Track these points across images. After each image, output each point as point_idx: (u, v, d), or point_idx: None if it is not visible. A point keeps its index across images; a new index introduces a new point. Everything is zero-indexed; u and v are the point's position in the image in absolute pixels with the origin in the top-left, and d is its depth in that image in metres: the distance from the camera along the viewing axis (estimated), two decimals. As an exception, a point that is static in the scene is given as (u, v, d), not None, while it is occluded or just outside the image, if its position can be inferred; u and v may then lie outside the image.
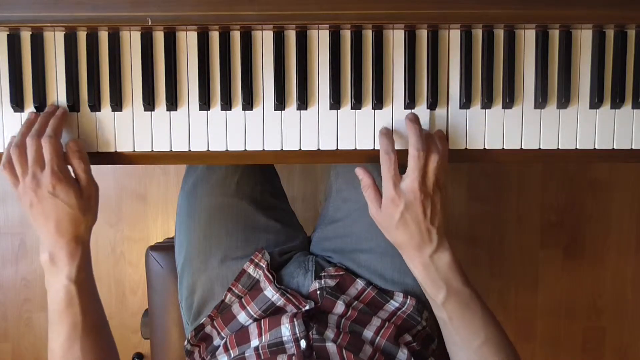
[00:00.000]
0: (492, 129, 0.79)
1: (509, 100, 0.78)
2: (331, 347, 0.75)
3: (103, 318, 0.81)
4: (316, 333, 0.77)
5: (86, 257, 0.76)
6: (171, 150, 0.78)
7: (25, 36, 0.76)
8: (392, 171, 0.73)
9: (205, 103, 0.77)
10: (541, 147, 0.79)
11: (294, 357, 0.73)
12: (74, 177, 0.75)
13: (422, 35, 0.77)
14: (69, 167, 0.75)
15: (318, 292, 0.85)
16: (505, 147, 0.79)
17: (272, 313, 0.84)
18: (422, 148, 0.72)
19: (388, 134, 0.76)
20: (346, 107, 0.78)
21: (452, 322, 0.74)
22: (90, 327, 0.76)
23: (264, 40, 0.77)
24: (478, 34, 0.78)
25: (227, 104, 0.77)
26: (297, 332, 0.77)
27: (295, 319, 0.78)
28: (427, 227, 0.73)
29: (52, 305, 0.75)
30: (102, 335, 0.79)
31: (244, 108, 0.78)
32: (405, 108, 0.78)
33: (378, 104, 0.78)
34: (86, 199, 0.74)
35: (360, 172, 0.77)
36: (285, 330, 0.78)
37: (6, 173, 0.73)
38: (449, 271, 0.74)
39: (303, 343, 0.75)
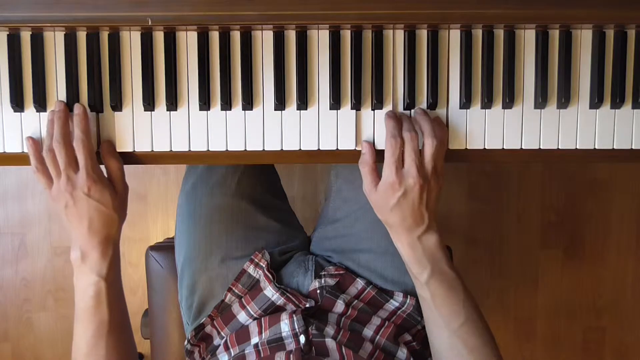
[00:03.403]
0: (492, 129, 0.79)
1: (509, 100, 0.78)
2: (330, 343, 0.75)
3: (127, 318, 0.82)
4: (315, 329, 0.77)
5: (116, 257, 0.77)
6: (171, 150, 0.78)
7: (25, 36, 0.76)
8: (396, 155, 0.73)
9: (205, 103, 0.77)
10: (541, 147, 0.79)
11: (293, 353, 0.73)
12: (108, 176, 0.76)
13: (422, 35, 0.77)
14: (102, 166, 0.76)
15: (318, 291, 0.85)
16: (505, 147, 0.79)
17: (272, 312, 0.84)
18: (414, 130, 0.73)
19: (395, 117, 0.76)
20: (346, 107, 0.78)
21: (434, 301, 0.75)
22: (116, 325, 0.77)
23: (264, 40, 0.77)
24: (478, 34, 0.78)
25: (227, 104, 0.77)
26: (297, 327, 0.77)
27: (294, 315, 0.78)
28: (421, 211, 0.73)
29: (81, 303, 0.76)
30: (126, 335, 0.80)
31: (244, 108, 0.78)
32: (405, 108, 0.78)
33: (378, 104, 0.77)
34: (119, 198, 0.76)
35: (365, 145, 0.77)
36: (285, 326, 0.78)
37: (39, 176, 0.74)
38: (435, 251, 0.75)
39: (302, 338, 0.75)
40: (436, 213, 0.75)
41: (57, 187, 0.73)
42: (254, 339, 0.80)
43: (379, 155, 0.76)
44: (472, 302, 0.76)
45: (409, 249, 0.75)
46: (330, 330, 0.78)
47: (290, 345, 0.75)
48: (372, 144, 0.77)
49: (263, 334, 0.80)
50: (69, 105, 0.76)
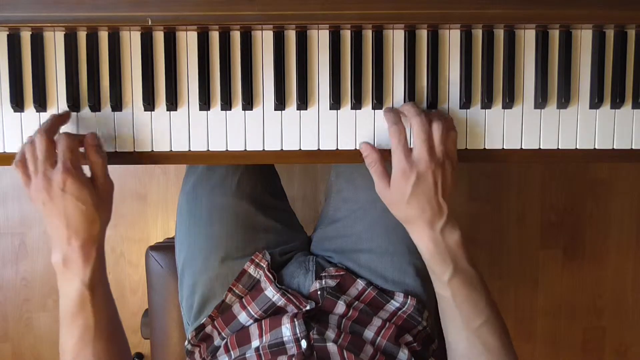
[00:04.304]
0: (492, 129, 0.79)
1: (509, 100, 0.78)
2: (332, 347, 0.75)
3: (117, 321, 0.78)
4: (317, 333, 0.77)
5: (100, 260, 0.74)
6: (171, 150, 0.78)
7: (25, 36, 0.76)
8: (402, 141, 0.72)
9: (205, 103, 0.77)
10: (541, 147, 0.79)
11: (295, 357, 0.73)
12: (90, 172, 0.73)
13: (422, 35, 0.77)
14: (86, 162, 0.74)
15: (319, 292, 0.85)
16: (505, 147, 0.79)
17: (273, 313, 0.84)
18: (422, 113, 0.72)
19: (393, 109, 0.76)
20: (346, 107, 0.78)
21: (455, 300, 0.73)
22: (102, 330, 0.74)
23: (264, 40, 0.77)
24: (478, 34, 0.78)
25: (227, 104, 0.77)
26: (298, 332, 0.77)
27: (295, 319, 0.78)
28: (438, 199, 0.72)
29: (64, 308, 0.73)
30: (116, 339, 0.77)
31: (244, 108, 0.78)
32: (405, 108, 0.78)
33: (378, 104, 0.78)
34: (101, 195, 0.73)
35: (365, 147, 0.76)
36: (286, 330, 0.78)
37: (18, 171, 0.72)
38: (457, 249, 0.73)
39: (304, 343, 0.75)
40: (452, 205, 0.73)
41: (35, 183, 0.70)
42: (255, 342, 0.80)
43: (383, 153, 0.76)
44: (492, 302, 0.75)
45: (433, 245, 0.73)
46: (331, 334, 0.77)
47: (292, 350, 0.75)
48: (370, 143, 0.77)
49: (264, 337, 0.80)
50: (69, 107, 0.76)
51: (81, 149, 0.74)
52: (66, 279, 0.72)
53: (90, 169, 0.73)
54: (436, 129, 0.72)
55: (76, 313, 0.72)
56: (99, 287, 0.73)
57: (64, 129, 0.75)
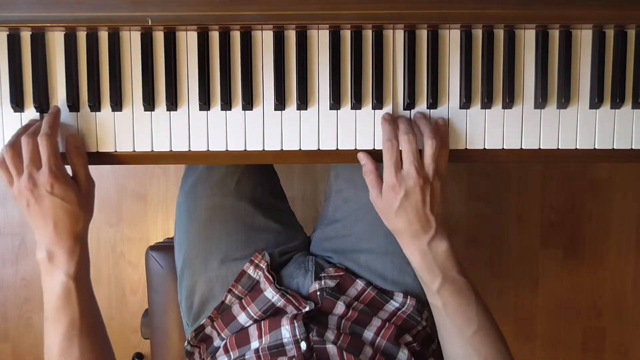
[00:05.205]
0: (492, 129, 0.79)
1: (509, 100, 0.78)
2: (331, 348, 0.75)
3: (99, 317, 0.80)
4: (316, 335, 0.77)
5: (84, 255, 0.76)
6: (171, 150, 0.78)
7: (25, 36, 0.76)
8: (393, 158, 0.73)
9: (205, 103, 0.77)
10: (541, 147, 0.79)
11: (294, 359, 0.73)
12: (72, 173, 0.75)
13: (422, 35, 0.77)
14: (67, 163, 0.75)
15: (318, 293, 0.85)
16: (505, 147, 0.79)
17: (273, 314, 0.84)
18: (411, 132, 0.73)
19: (391, 120, 0.76)
20: (346, 107, 0.78)
21: (446, 310, 0.75)
22: (87, 325, 0.75)
23: (264, 40, 0.77)
24: (478, 34, 0.78)
25: (227, 104, 0.77)
26: (298, 334, 0.77)
27: (295, 321, 0.78)
28: (426, 214, 0.73)
29: (49, 304, 0.74)
30: (99, 335, 0.79)
31: (244, 108, 0.78)
32: (405, 108, 0.78)
33: (378, 104, 0.78)
34: (84, 195, 0.75)
35: (362, 156, 0.78)
36: (286, 332, 0.78)
37: (1, 172, 0.73)
38: (446, 259, 0.75)
39: (303, 345, 0.75)
40: (443, 219, 0.75)
41: (18, 184, 0.72)
42: (254, 344, 0.80)
43: (379, 159, 0.76)
44: (485, 310, 0.76)
45: (420, 256, 0.75)
46: (330, 335, 0.77)
47: (292, 351, 0.75)
48: (367, 154, 0.77)
49: (263, 339, 0.80)
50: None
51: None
52: (51, 274, 0.74)
53: (72, 170, 0.75)
54: (429, 147, 0.73)
55: (61, 308, 0.74)
56: (83, 282, 0.75)
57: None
